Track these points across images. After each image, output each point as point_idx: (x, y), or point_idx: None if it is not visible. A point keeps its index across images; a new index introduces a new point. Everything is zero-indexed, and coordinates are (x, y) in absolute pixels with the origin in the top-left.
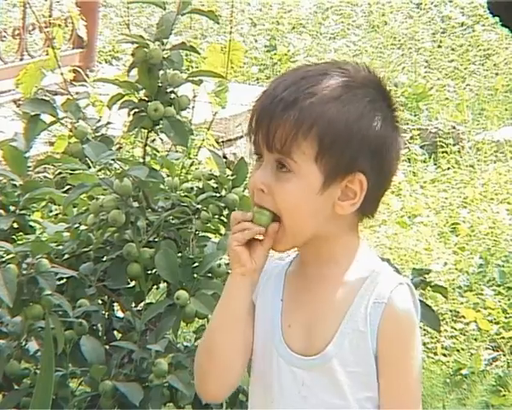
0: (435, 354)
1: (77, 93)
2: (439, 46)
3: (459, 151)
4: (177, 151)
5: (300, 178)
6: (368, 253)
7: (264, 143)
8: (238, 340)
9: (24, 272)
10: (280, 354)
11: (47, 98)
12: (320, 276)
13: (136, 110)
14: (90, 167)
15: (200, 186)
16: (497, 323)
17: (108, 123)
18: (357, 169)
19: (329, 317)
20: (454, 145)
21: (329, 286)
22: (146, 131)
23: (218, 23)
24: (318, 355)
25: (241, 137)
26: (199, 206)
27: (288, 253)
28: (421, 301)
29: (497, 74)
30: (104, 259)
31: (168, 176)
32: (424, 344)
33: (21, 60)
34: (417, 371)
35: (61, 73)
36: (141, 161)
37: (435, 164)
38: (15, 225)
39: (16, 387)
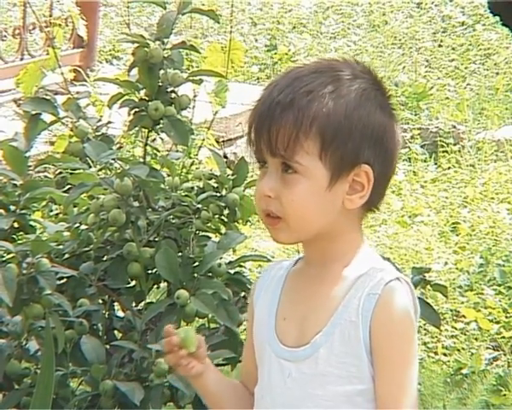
0: (436, 353)
1: (77, 93)
2: (440, 45)
3: (459, 151)
4: (177, 151)
5: (307, 178)
6: (369, 251)
7: (267, 149)
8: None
9: (24, 271)
10: (272, 349)
11: (47, 97)
12: (323, 274)
13: (137, 110)
14: (90, 167)
15: (201, 186)
16: (498, 322)
17: (109, 122)
18: (362, 161)
19: (323, 309)
20: (454, 145)
21: (328, 282)
22: (146, 130)
23: (219, 22)
24: (307, 345)
25: (242, 136)
26: (199, 205)
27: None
28: (420, 299)
29: (497, 74)
30: (104, 258)
31: (168, 175)
32: (424, 344)
33: (22, 59)
34: (412, 370)
35: (62, 73)
36: (141, 160)
37: (436, 163)
38: (16, 225)
39: (16, 386)
